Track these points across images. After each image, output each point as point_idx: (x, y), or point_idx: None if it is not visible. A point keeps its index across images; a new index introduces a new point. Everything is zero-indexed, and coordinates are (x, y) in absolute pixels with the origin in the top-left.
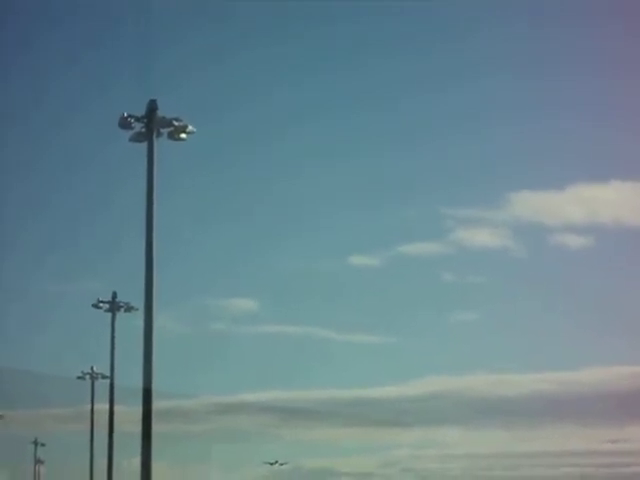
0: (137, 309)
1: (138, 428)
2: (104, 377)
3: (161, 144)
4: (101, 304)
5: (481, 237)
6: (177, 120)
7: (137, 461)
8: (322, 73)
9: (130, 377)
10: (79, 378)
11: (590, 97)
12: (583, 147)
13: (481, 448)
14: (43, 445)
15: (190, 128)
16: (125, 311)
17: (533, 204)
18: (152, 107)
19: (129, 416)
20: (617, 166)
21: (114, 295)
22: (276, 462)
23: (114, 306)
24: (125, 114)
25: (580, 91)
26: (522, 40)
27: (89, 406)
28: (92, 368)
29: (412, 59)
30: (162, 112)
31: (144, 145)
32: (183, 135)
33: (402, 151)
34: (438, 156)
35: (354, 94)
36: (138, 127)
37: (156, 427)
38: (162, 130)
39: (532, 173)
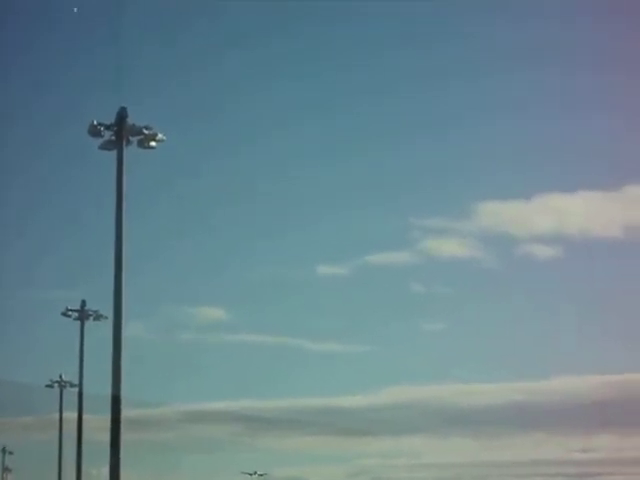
0: (106, 317)
1: (107, 437)
2: (72, 385)
3: (132, 152)
4: (70, 312)
5: (449, 247)
6: (147, 128)
7: (106, 470)
8: (290, 83)
9: (99, 385)
10: (48, 386)
11: (558, 107)
12: (550, 157)
13: (450, 457)
14: (11, 453)
15: (160, 136)
16: (94, 319)
17: (500, 214)
18: (122, 115)
19: (98, 424)
20: (584, 176)
21: (83, 303)
22: (255, 473)
23: (83, 314)
24: (95, 122)
25: (548, 101)
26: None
27: (57, 414)
28: (60, 376)
29: (382, 64)
30: (133, 120)
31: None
32: (153, 143)
33: (370, 161)
34: (405, 166)
35: (324, 101)
36: (108, 135)
37: (125, 436)
38: (132, 138)
39: (499, 183)
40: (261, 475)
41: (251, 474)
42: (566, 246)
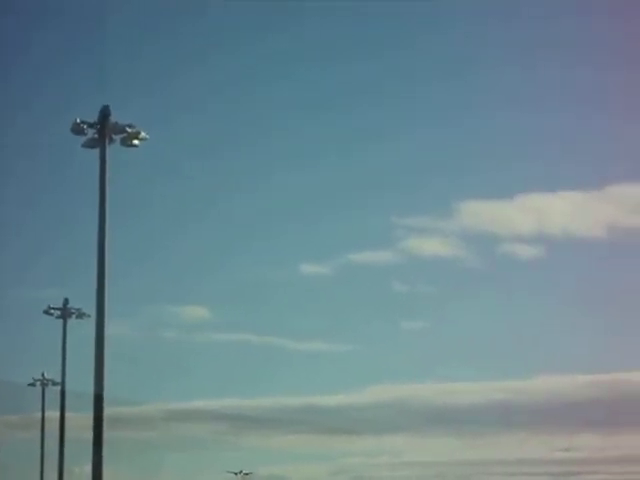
0: (89, 316)
1: (89, 435)
2: (55, 384)
3: (116, 151)
4: (52, 310)
5: (431, 246)
6: (130, 127)
7: (89, 468)
8: (275, 80)
9: (82, 384)
10: (30, 385)
11: (540, 107)
12: (532, 157)
13: (433, 456)
14: None
15: (143, 135)
16: (77, 317)
17: (483, 214)
18: (105, 113)
19: (80, 423)
20: (566, 176)
21: (65, 302)
22: (240, 472)
23: (65, 312)
24: (78, 120)
25: (530, 101)
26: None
27: (40, 413)
28: (43, 374)
29: (366, 64)
30: (116, 118)
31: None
32: (136, 142)
33: (352, 160)
34: (388, 165)
35: (304, 102)
36: (91, 133)
37: (108, 434)
38: (115, 136)
39: (482, 182)
40: (246, 474)
41: (236, 473)
42: (548, 245)
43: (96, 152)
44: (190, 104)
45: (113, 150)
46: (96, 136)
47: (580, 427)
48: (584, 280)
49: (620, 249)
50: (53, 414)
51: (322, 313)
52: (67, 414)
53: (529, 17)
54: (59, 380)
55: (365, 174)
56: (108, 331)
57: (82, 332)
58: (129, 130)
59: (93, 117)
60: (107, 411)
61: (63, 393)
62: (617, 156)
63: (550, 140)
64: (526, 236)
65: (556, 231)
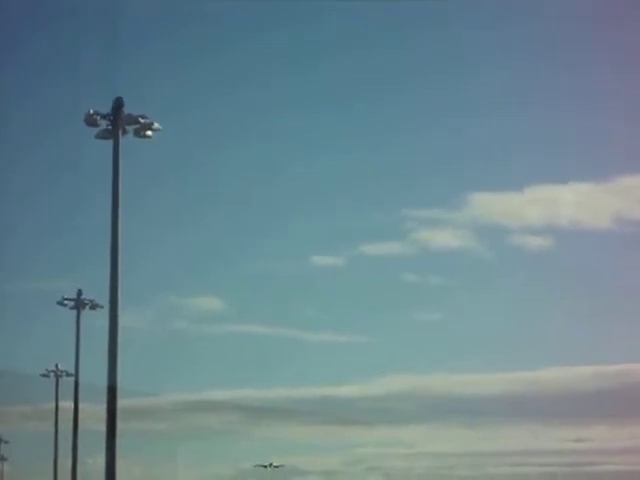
0: (102, 307)
1: (103, 426)
2: (69, 375)
3: (129, 142)
4: (66, 301)
5: (442, 238)
6: (143, 117)
7: (102, 459)
8: (287, 73)
9: (95, 375)
10: (43, 376)
11: (549, 100)
12: (541, 148)
13: (445, 447)
14: (6, 442)
15: (156, 126)
16: (90, 309)
17: (493, 205)
18: (118, 104)
19: (94, 414)
20: (576, 168)
21: (79, 292)
22: (271, 464)
23: (79, 303)
24: (91, 111)
25: (539, 94)
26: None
27: (53, 404)
28: (57, 366)
29: (376, 58)
30: (129, 110)
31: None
32: (149, 133)
33: (364, 152)
34: (400, 158)
35: (318, 94)
36: (104, 124)
37: (121, 425)
38: (128, 127)
39: (491, 174)
40: (277, 467)
41: (266, 466)
42: (557, 237)
43: (109, 143)
44: (203, 95)
45: (125, 140)
46: (109, 127)
47: (590, 418)
48: (593, 271)
49: (629, 240)
50: (67, 405)
51: (334, 304)
52: (80, 405)
53: (546, 16)
54: (72, 371)
55: (377, 166)
56: (121, 322)
57: (95, 323)
58: (142, 121)
59: (106, 108)
60: (120, 402)
61: (77, 384)
62: (626, 148)
63: (559, 132)
64: (535, 228)
65: (565, 223)
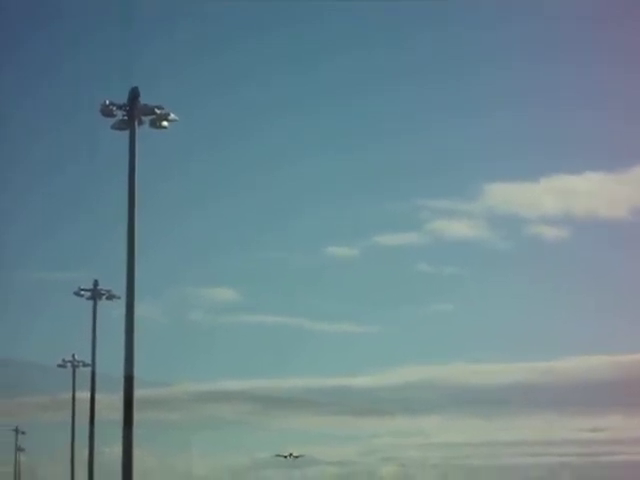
0: (119, 297)
1: (119, 416)
2: (85, 365)
3: (144, 132)
4: (82, 292)
5: (457, 228)
6: (159, 108)
7: (119, 449)
8: (300, 69)
9: (111, 365)
10: (60, 366)
11: (564, 89)
12: (557, 138)
13: (461, 437)
14: (23, 433)
15: (172, 116)
16: (107, 299)
17: (508, 195)
18: (134, 94)
19: (110, 404)
20: (591, 158)
21: (95, 283)
22: (290, 455)
23: (95, 294)
24: (107, 101)
25: (554, 83)
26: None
27: (70, 394)
28: (73, 356)
29: (389, 53)
30: (145, 100)
31: (127, 133)
32: (165, 123)
33: (378, 143)
34: (414, 148)
35: (329, 89)
36: (120, 115)
37: (137, 415)
38: (144, 118)
39: (506, 164)
40: (297, 457)
41: (286, 456)
42: (573, 227)
43: (126, 134)
44: (218, 87)
45: (141, 130)
46: (125, 118)
47: (606, 408)
48: (608, 262)
49: None
50: (83, 395)
51: (349, 295)
52: (97, 395)
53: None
54: (89, 361)
55: (392, 157)
56: (137, 313)
57: (112, 314)
58: (158, 112)
59: (122, 99)
60: (136, 392)
61: (93, 374)
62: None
63: (574, 123)
64: (551, 218)
65: (581, 213)
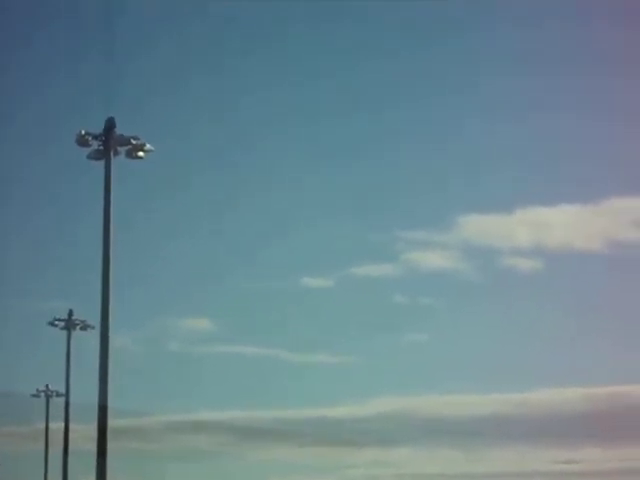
0: (93, 327)
1: (93, 446)
2: (59, 395)
3: (120, 163)
4: (57, 322)
5: (432, 259)
6: (135, 138)
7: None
8: (277, 93)
9: (86, 395)
10: (34, 396)
11: (539, 120)
12: (532, 170)
13: (435, 468)
14: None
15: (148, 147)
16: (81, 329)
17: (482, 227)
18: (110, 125)
19: (84, 434)
20: (566, 189)
21: (70, 313)
22: None
23: (70, 324)
24: (82, 131)
25: (529, 114)
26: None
27: (44, 424)
28: (47, 386)
29: (367, 74)
30: (122, 131)
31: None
32: (141, 153)
33: (354, 173)
34: (389, 179)
35: (305, 111)
36: (96, 145)
37: (112, 445)
38: (120, 148)
39: (482, 196)
40: None
41: None
42: (547, 259)
43: (101, 164)
44: (193, 115)
45: (117, 161)
46: (101, 148)
47: (581, 440)
48: (583, 293)
49: (619, 263)
50: (57, 425)
51: (325, 325)
52: (71, 425)
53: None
54: (63, 391)
55: (367, 187)
56: (112, 343)
57: (86, 344)
58: (134, 142)
59: (98, 128)
60: (111, 422)
61: (67, 404)
62: (616, 170)
63: (549, 154)
64: (525, 249)
65: (555, 245)
